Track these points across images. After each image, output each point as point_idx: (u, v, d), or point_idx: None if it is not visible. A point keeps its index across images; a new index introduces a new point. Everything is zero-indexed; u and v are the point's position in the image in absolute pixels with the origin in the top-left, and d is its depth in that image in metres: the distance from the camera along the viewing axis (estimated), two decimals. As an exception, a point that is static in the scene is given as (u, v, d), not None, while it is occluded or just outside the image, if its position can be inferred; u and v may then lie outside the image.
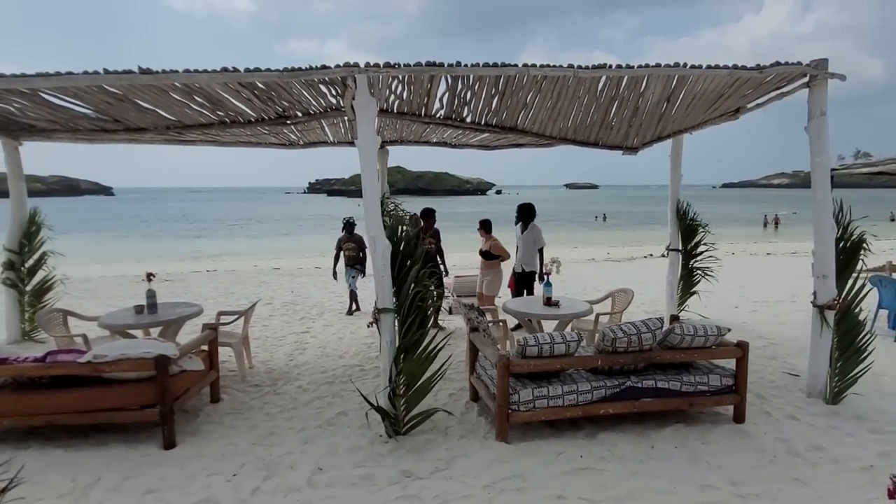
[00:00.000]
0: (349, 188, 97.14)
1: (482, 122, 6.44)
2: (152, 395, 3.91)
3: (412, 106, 5.79)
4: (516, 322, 6.85)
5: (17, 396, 3.90)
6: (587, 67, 4.27)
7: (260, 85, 4.62)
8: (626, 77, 4.86)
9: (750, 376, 4.35)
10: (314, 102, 5.39)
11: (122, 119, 5.84)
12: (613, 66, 4.38)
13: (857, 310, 4.53)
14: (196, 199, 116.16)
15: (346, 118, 6.13)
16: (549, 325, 5.80)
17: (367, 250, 3.97)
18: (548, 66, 4.20)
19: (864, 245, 4.52)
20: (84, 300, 9.71)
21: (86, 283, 11.85)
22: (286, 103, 5.39)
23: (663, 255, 8.09)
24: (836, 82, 4.39)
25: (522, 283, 7.31)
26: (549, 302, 5.72)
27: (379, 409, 4.04)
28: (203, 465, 3.69)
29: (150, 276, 5.99)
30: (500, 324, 5.88)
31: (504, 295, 7.86)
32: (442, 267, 7.73)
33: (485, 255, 7.38)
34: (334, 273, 8.55)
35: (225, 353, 5.63)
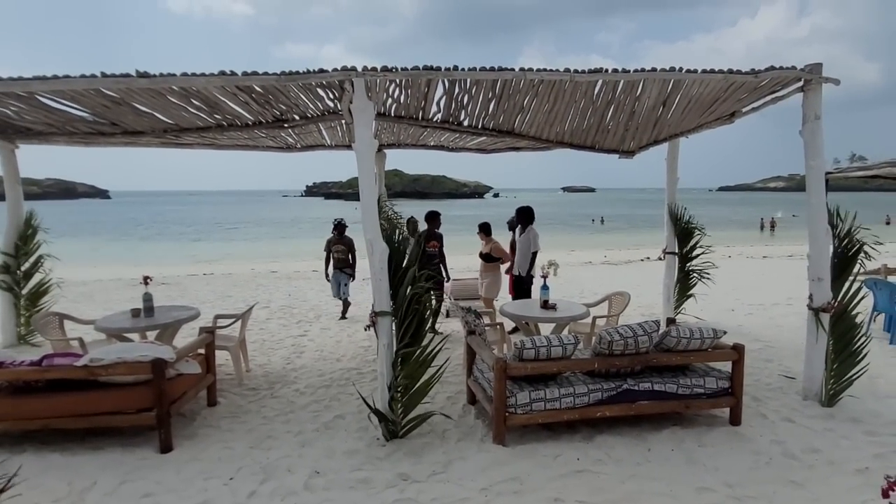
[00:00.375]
0: (346, 191, 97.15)
1: (479, 126, 6.46)
2: (149, 399, 3.91)
3: (409, 109, 5.81)
4: (513, 325, 6.86)
5: (13, 400, 3.89)
6: (584, 71, 4.30)
7: (257, 88, 4.63)
8: (622, 81, 4.88)
9: (746, 379, 4.37)
10: (311, 106, 5.40)
11: (119, 122, 5.84)
12: (610, 71, 4.41)
13: (854, 313, 4.55)
14: (193, 203, 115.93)
15: (343, 121, 6.14)
16: (546, 328, 5.81)
17: (365, 252, 3.94)
18: (545, 70, 4.23)
19: (864, 252, 4.54)
20: (80, 304, 9.67)
21: (82, 287, 11.81)
22: (283, 107, 5.40)
23: (660, 259, 8.11)
24: (832, 86, 4.43)
25: (519, 286, 7.33)
26: (546, 305, 5.73)
27: (377, 413, 4.04)
28: (200, 468, 3.68)
29: (146, 280, 5.99)
30: (498, 327, 5.89)
31: (504, 297, 7.88)
32: (443, 271, 7.74)
33: (485, 257, 7.44)
34: (327, 275, 8.48)
35: (222, 357, 5.63)
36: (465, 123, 6.36)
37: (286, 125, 6.02)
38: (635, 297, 8.29)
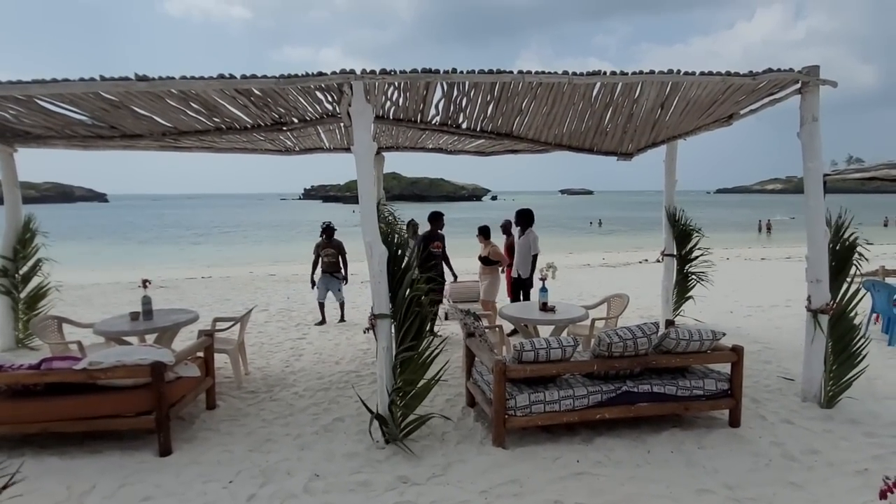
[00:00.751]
0: (345, 194, 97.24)
1: (478, 129, 6.47)
2: (148, 402, 3.90)
3: (408, 112, 5.82)
4: (512, 327, 6.86)
5: (12, 404, 3.88)
6: (582, 74, 4.31)
7: (256, 92, 4.64)
8: (620, 84, 4.89)
9: (745, 380, 4.37)
10: (310, 109, 5.41)
11: (118, 125, 5.84)
12: (608, 73, 4.42)
13: (852, 314, 4.56)
14: (191, 206, 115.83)
15: (342, 124, 6.15)
16: (545, 331, 5.81)
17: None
18: (543, 72, 4.24)
19: (858, 251, 4.56)
20: (78, 307, 9.66)
21: (80, 291, 11.79)
22: (282, 110, 5.41)
23: (658, 261, 8.12)
24: (828, 88, 4.44)
25: (518, 288, 7.34)
26: (545, 307, 5.74)
27: (376, 416, 4.04)
28: (199, 472, 3.67)
29: (145, 283, 5.98)
30: (497, 329, 5.89)
31: (503, 300, 7.88)
32: (450, 272, 7.74)
33: (483, 260, 7.46)
34: (312, 281, 8.18)
35: (221, 360, 5.62)
36: (464, 126, 6.37)
37: (285, 128, 6.02)
38: (634, 299, 8.30)
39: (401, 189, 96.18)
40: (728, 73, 4.36)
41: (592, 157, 7.66)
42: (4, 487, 2.07)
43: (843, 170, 7.95)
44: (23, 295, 7.05)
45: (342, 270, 8.29)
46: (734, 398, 4.24)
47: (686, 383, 4.19)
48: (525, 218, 7.30)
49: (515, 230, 7.49)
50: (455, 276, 7.94)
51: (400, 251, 4.11)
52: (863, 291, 4.84)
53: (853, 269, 4.58)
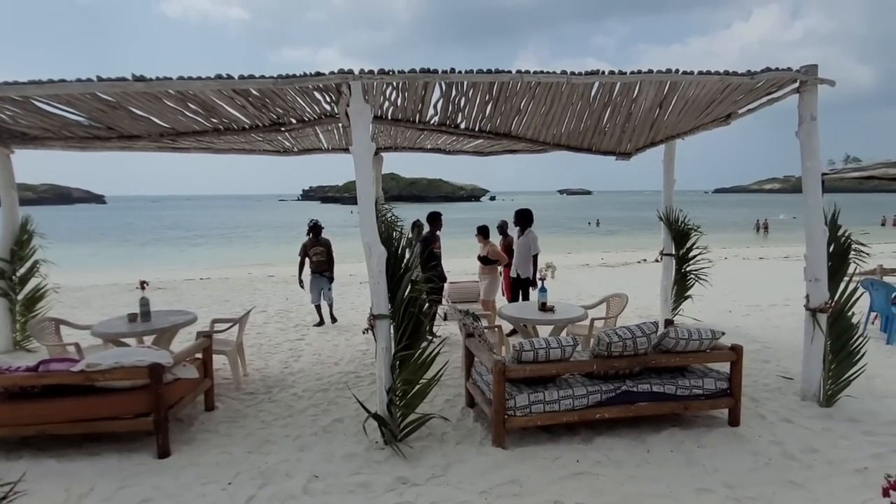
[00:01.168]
0: (343, 195, 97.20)
1: (476, 129, 6.47)
2: (146, 404, 3.88)
3: (406, 112, 5.81)
4: (511, 327, 6.86)
5: (10, 406, 3.86)
6: (580, 73, 4.31)
7: (254, 92, 4.63)
8: (618, 83, 4.89)
9: (744, 380, 4.37)
10: (308, 109, 5.40)
11: (116, 126, 5.82)
12: (606, 73, 4.42)
13: (850, 313, 4.56)
14: (189, 207, 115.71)
15: (340, 125, 6.14)
16: (544, 331, 5.81)
17: (363, 255, 3.91)
18: (541, 72, 4.23)
19: (853, 250, 4.56)
20: (76, 309, 9.63)
21: (78, 292, 11.76)
22: (280, 110, 5.40)
23: (657, 260, 8.13)
24: (826, 88, 4.44)
25: (518, 288, 7.34)
26: (544, 307, 5.73)
27: (375, 416, 4.03)
28: (198, 473, 3.66)
29: (143, 285, 5.96)
30: (496, 329, 5.88)
31: (501, 300, 7.87)
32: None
33: (483, 260, 7.46)
34: (300, 281, 8.01)
35: (219, 361, 5.60)
36: (462, 126, 6.37)
37: (283, 129, 6.02)
38: (633, 298, 8.29)
39: (399, 189, 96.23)
40: (726, 73, 4.36)
41: (591, 156, 7.66)
42: (3, 499, 2.06)
43: (842, 169, 7.97)
44: (20, 297, 7.03)
45: (331, 270, 8.17)
46: (733, 397, 4.24)
47: (685, 383, 4.19)
48: (524, 218, 7.30)
49: (515, 230, 7.49)
50: (445, 278, 7.91)
51: (402, 252, 4.10)
52: (861, 290, 4.84)
53: (852, 267, 4.58)
